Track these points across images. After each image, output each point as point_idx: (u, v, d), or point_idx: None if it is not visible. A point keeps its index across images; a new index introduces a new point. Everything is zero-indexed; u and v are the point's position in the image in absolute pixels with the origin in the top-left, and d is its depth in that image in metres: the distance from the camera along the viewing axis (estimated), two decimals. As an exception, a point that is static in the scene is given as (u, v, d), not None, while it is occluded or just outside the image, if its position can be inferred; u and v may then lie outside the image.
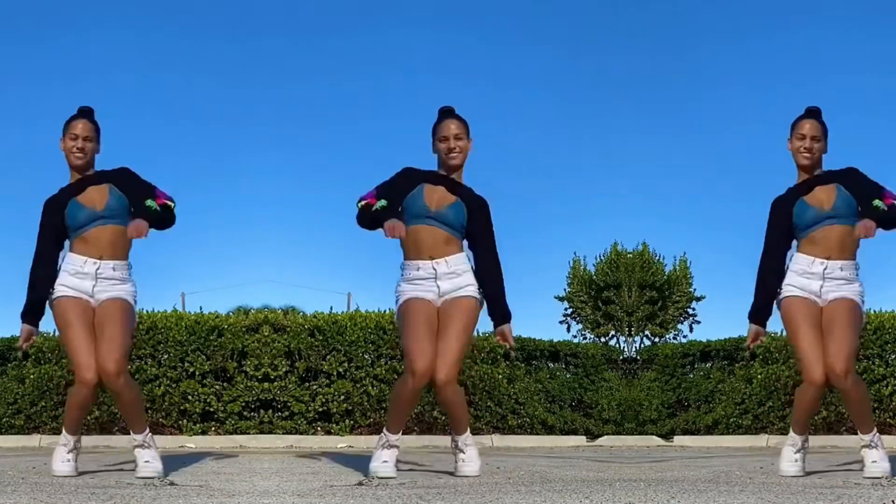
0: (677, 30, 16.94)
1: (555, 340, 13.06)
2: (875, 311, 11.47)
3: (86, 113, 5.53)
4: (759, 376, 11.78)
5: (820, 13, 17.85)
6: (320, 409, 10.83)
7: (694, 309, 14.91)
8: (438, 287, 5.28)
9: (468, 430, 5.46)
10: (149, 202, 5.40)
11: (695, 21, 17.22)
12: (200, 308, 11.22)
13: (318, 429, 10.85)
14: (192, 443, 10.21)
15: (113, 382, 5.22)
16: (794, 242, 5.51)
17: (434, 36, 18.87)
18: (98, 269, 5.33)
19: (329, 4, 18.17)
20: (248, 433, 10.46)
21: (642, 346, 13.97)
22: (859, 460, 5.52)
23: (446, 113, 5.46)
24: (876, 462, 5.30)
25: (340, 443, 10.44)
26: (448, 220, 5.29)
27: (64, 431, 5.58)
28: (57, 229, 5.40)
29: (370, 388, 10.90)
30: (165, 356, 10.72)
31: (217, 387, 10.73)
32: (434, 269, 5.28)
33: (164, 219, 5.48)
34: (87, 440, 10.21)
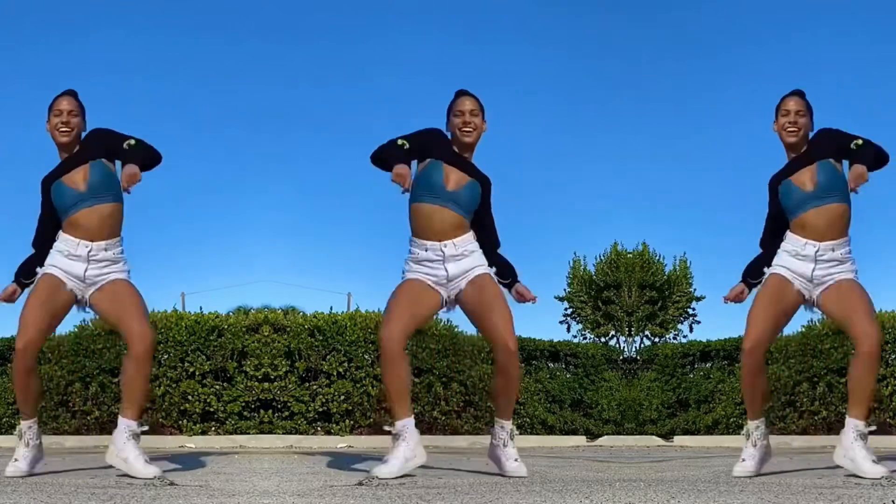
0: (678, 29, 16.95)
1: (555, 340, 13.07)
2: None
3: (70, 92, 5.52)
4: (759, 376, 11.78)
5: (819, 16, 17.86)
6: (320, 409, 10.83)
7: (694, 309, 14.91)
8: (446, 271, 5.35)
9: (511, 417, 5.54)
10: (128, 142, 5.38)
11: (696, 21, 17.22)
12: (200, 308, 11.23)
13: (318, 429, 10.85)
14: (192, 443, 10.20)
15: (148, 348, 5.31)
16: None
17: (434, 36, 18.87)
18: (90, 251, 5.32)
19: (330, 5, 18.18)
20: (248, 433, 10.46)
21: (642, 346, 13.97)
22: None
23: (463, 91, 5.54)
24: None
25: (340, 443, 10.44)
26: (463, 200, 5.37)
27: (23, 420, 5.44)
28: (51, 209, 5.39)
29: (370, 388, 10.90)
30: (165, 356, 10.72)
31: (217, 387, 10.73)
32: (442, 250, 5.34)
33: (149, 154, 5.46)
34: (88, 440, 10.23)
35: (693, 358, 12.97)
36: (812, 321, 11.12)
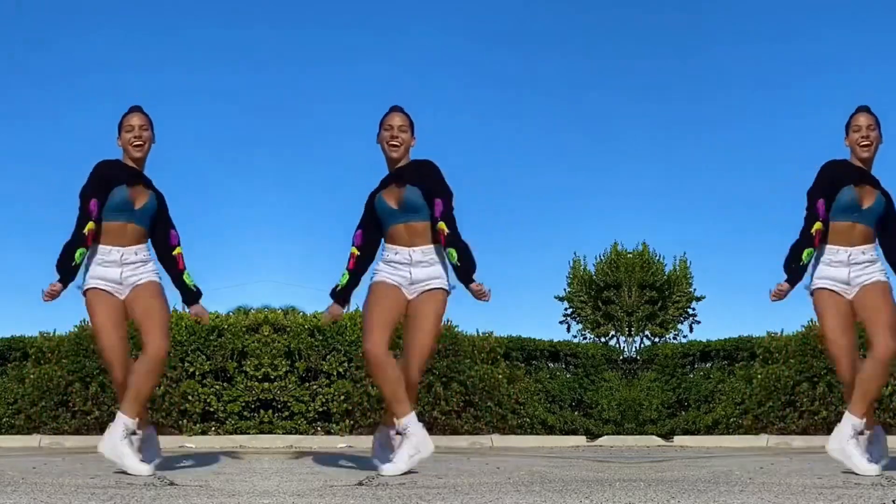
0: (679, 29, 16.94)
1: (555, 340, 13.06)
2: None
3: (138, 108, 5.89)
4: (759, 376, 11.77)
5: (819, 15, 17.85)
6: (320, 409, 10.83)
7: (694, 309, 14.90)
8: (410, 274, 5.66)
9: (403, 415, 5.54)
10: (187, 278, 5.93)
11: (697, 21, 17.21)
12: (200, 308, 11.22)
13: (318, 429, 10.85)
14: (192, 443, 10.20)
15: (163, 358, 5.62)
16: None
17: (434, 35, 18.87)
18: (122, 255, 5.68)
19: (334, 5, 18.17)
20: (248, 433, 10.46)
21: (642, 346, 13.96)
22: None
23: (395, 107, 5.87)
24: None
25: (340, 443, 10.44)
26: (413, 204, 5.64)
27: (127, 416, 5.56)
28: (101, 191, 5.69)
29: (370, 388, 10.90)
30: (165, 356, 10.72)
31: (217, 387, 10.73)
32: (410, 255, 5.67)
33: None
34: (88, 440, 10.23)
35: (693, 358, 12.96)
36: (812, 321, 11.11)
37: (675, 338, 14.41)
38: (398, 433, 5.51)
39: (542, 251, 17.15)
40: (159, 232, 5.84)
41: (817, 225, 5.73)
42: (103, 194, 5.68)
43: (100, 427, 10.55)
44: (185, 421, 10.69)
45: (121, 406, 5.58)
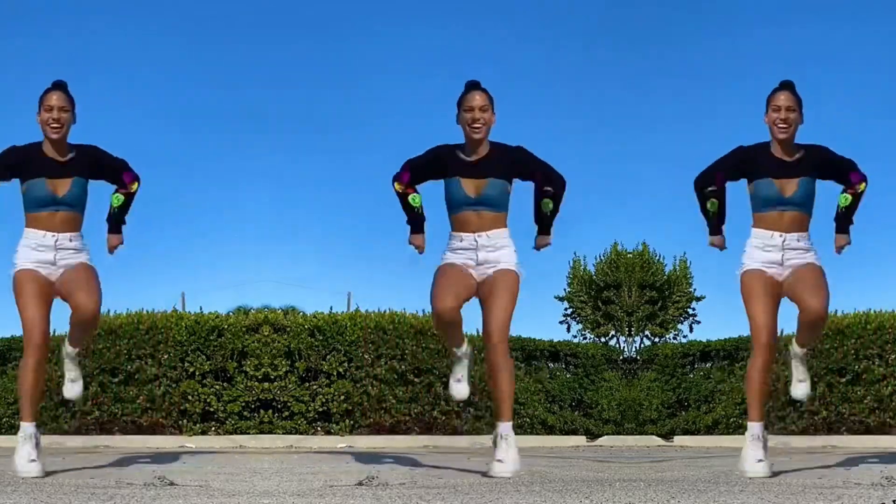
0: (679, 29, 16.94)
1: (555, 340, 13.06)
2: (875, 311, 11.46)
3: (59, 85, 5.75)
4: (759, 376, 11.77)
5: (820, 13, 17.87)
6: (320, 409, 10.83)
7: (694, 309, 14.89)
8: (477, 256, 5.64)
9: (510, 418, 5.77)
10: (114, 199, 5.89)
11: (697, 21, 17.21)
12: (200, 308, 11.23)
13: (318, 429, 10.85)
14: (192, 443, 10.20)
15: (95, 319, 5.74)
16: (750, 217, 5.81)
17: (433, 35, 18.87)
18: (57, 240, 5.70)
19: (331, 4, 18.17)
20: (248, 433, 10.46)
21: (642, 346, 13.95)
22: (859, 458, 5.52)
23: (473, 85, 5.69)
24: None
25: (340, 443, 10.44)
26: (492, 199, 5.67)
27: (24, 423, 5.60)
28: (10, 172, 5.72)
29: (370, 388, 10.90)
30: (165, 356, 10.72)
31: (217, 387, 10.73)
32: (475, 240, 5.64)
33: (127, 206, 5.94)
34: (88, 440, 10.23)
35: (693, 358, 12.96)
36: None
37: (675, 338, 14.41)
38: (500, 436, 5.66)
39: (542, 251, 17.11)
40: (115, 179, 5.88)
41: (708, 189, 5.92)
42: (17, 173, 5.70)
43: (100, 427, 10.55)
44: (185, 421, 10.69)
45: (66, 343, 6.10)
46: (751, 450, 5.61)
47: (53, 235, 5.69)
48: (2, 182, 5.79)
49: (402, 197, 5.75)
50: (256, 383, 10.65)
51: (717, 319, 17.81)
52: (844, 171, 5.75)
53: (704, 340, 13.14)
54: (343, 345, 10.94)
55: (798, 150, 5.72)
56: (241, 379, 10.68)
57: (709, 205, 5.94)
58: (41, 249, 5.69)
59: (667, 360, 12.94)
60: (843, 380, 11.21)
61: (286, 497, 4.26)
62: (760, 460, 5.52)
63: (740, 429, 12.08)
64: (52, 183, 5.67)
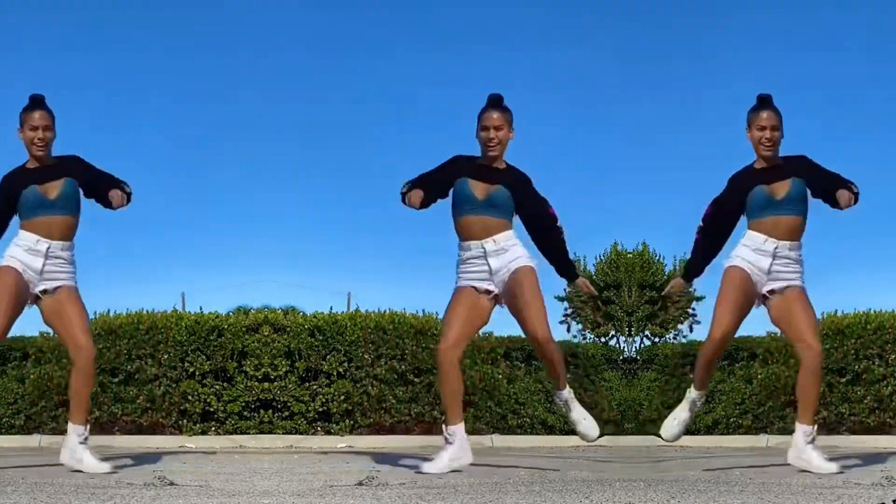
0: (679, 29, 16.93)
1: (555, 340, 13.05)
2: (875, 311, 11.46)
3: (39, 102, 5.94)
4: (759, 376, 11.78)
5: (821, 11, 17.86)
6: (320, 409, 10.83)
7: (694, 309, 14.88)
8: (489, 266, 5.78)
9: (566, 386, 6.37)
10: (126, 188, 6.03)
11: (697, 20, 17.20)
12: (200, 308, 11.21)
13: (318, 429, 10.85)
14: (192, 443, 10.20)
15: (92, 362, 5.86)
16: (745, 220, 5.98)
17: (433, 32, 18.86)
18: (49, 248, 5.79)
19: (327, 6, 18.17)
20: (248, 433, 10.46)
21: (642, 346, 13.94)
22: (859, 458, 5.52)
23: (492, 102, 5.91)
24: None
25: (340, 443, 10.44)
26: (497, 204, 5.81)
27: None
28: (10, 203, 5.88)
29: (370, 388, 10.90)
30: (165, 356, 10.71)
31: (217, 387, 10.73)
32: (483, 247, 5.78)
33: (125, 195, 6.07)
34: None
35: (693, 358, 12.91)
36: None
37: (675, 338, 14.40)
38: (445, 437, 5.84)
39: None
40: (101, 197, 5.96)
41: (701, 224, 6.13)
42: (15, 194, 5.85)
43: (100, 427, 10.55)
44: (185, 421, 10.69)
45: (71, 417, 5.95)
46: (677, 412, 6.38)
47: (46, 242, 5.79)
48: (10, 214, 5.92)
49: (403, 197, 5.87)
50: (256, 383, 10.64)
51: (716, 319, 17.77)
52: (835, 183, 5.83)
53: (704, 340, 13.14)
54: (343, 345, 10.94)
55: (780, 160, 5.91)
56: (241, 379, 10.67)
57: (691, 254, 6.25)
58: (31, 253, 5.80)
59: (667, 360, 12.93)
60: (843, 380, 11.20)
61: (286, 497, 4.26)
62: (677, 428, 6.28)
63: (740, 429, 12.12)
64: (44, 187, 5.82)
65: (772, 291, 5.84)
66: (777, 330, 12.22)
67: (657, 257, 14.73)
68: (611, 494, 4.36)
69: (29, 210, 5.83)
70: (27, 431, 10.71)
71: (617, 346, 13.90)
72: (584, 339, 14.26)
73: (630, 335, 13.99)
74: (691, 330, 14.74)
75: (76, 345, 5.82)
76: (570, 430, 12.14)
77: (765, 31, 17.54)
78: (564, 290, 15.09)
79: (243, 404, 10.64)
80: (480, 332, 11.86)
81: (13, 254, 5.82)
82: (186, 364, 10.73)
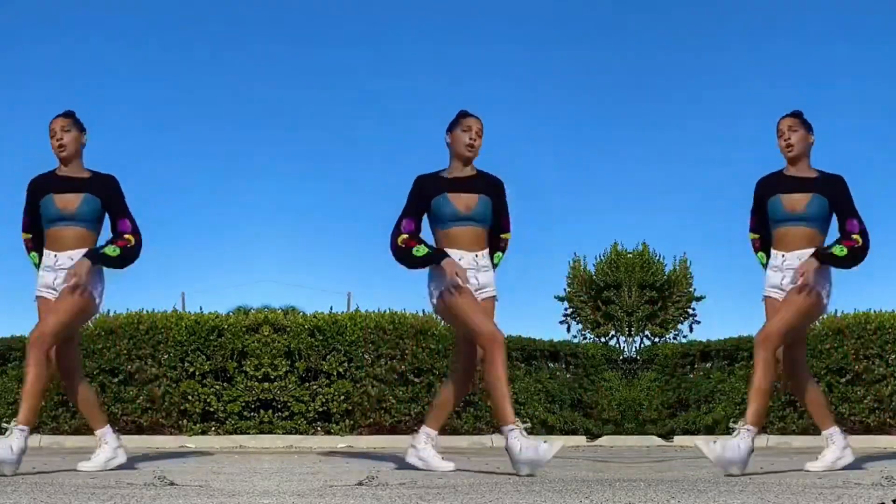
0: (679, 29, 16.95)
1: (555, 340, 13.06)
2: (875, 311, 11.46)
3: (62, 113, 5.97)
4: (759, 376, 11.77)
5: (821, 10, 17.86)
6: (320, 409, 10.83)
7: (694, 309, 14.89)
8: (477, 280, 5.82)
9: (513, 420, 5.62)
10: (109, 249, 5.84)
11: (697, 21, 17.21)
12: (200, 308, 11.22)
13: (318, 429, 10.85)
14: (192, 443, 10.21)
15: (39, 350, 5.67)
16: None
17: (433, 31, 18.87)
18: (56, 261, 5.83)
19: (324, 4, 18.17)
20: (248, 433, 10.46)
21: (642, 346, 13.95)
22: (859, 458, 5.52)
23: (469, 113, 5.98)
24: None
25: (340, 443, 10.44)
26: (481, 215, 5.87)
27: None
28: (34, 208, 5.94)
29: (370, 388, 10.90)
30: (165, 356, 10.72)
31: (217, 387, 10.73)
32: (475, 260, 5.84)
33: (122, 259, 5.90)
34: (88, 440, 10.21)
35: (693, 358, 12.96)
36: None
37: (675, 338, 14.41)
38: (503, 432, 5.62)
39: (542, 251, 17.16)
40: (112, 222, 5.99)
41: (751, 235, 6.11)
42: (32, 208, 5.93)
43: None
44: (185, 421, 10.69)
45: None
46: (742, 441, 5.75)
47: (55, 255, 5.82)
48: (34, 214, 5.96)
49: (406, 252, 5.82)
50: (256, 383, 10.65)
51: (717, 319, 17.82)
52: (845, 213, 5.87)
53: (704, 340, 13.15)
54: (343, 345, 10.94)
55: (815, 172, 5.94)
56: (241, 379, 10.68)
57: (759, 257, 6.14)
58: (47, 270, 5.86)
59: (667, 360, 12.94)
60: (843, 380, 11.21)
61: (286, 497, 4.26)
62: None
63: (740, 429, 12.11)
64: (61, 198, 5.83)
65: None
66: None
67: (657, 257, 14.75)
68: (611, 494, 4.36)
69: (45, 220, 5.89)
70: (27, 431, 10.69)
71: (617, 346, 13.91)
72: (584, 339, 14.28)
73: (630, 335, 14.00)
74: (691, 330, 14.76)
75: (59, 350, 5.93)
76: (570, 430, 12.20)
77: (766, 29, 17.54)
78: (564, 290, 15.14)
79: (243, 404, 10.64)
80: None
81: (40, 280, 5.90)
82: (186, 364, 10.74)
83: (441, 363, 11.13)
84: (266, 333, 10.75)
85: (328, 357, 10.93)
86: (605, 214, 16.36)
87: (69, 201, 5.82)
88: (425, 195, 5.87)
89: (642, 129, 14.72)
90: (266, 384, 10.65)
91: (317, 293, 34.20)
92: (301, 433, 10.59)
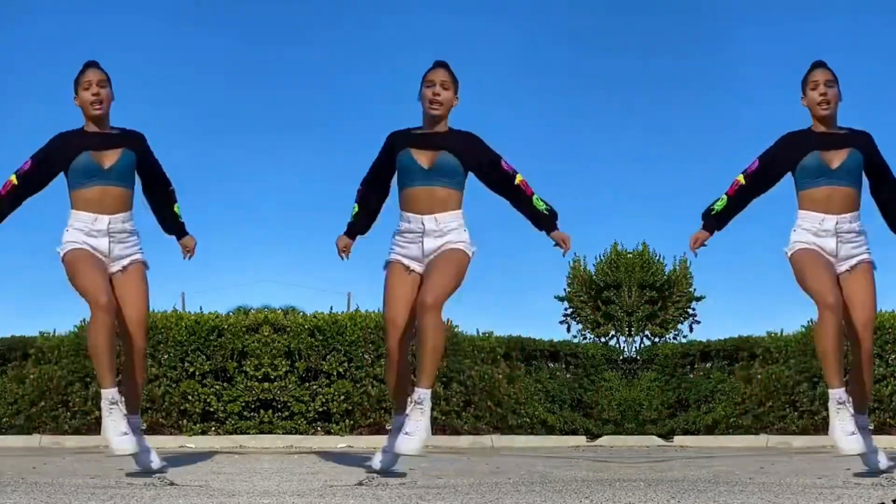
0: (679, 29, 16.95)
1: (555, 340, 13.06)
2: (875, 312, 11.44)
3: (92, 63, 5.48)
4: (759, 376, 11.77)
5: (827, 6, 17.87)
6: (320, 409, 10.83)
7: (694, 309, 14.89)
8: (423, 246, 5.32)
9: (430, 386, 5.07)
10: (179, 211, 5.77)
11: (697, 21, 17.22)
12: (200, 308, 11.22)
13: (318, 429, 10.85)
14: (192, 443, 10.20)
15: (140, 358, 5.53)
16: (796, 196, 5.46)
17: (433, 31, 18.87)
18: (110, 224, 5.33)
19: (330, 5, 18.17)
20: (248, 433, 10.46)
21: (642, 346, 13.95)
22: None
23: (438, 62, 5.49)
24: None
25: (340, 443, 10.44)
26: (445, 170, 5.34)
27: (104, 389, 5.14)
28: (55, 164, 5.37)
29: (370, 388, 10.90)
30: (165, 356, 10.71)
31: (217, 387, 10.73)
32: (423, 224, 5.31)
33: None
34: (88, 440, 10.22)
35: (693, 358, 12.96)
36: (812, 321, 11.09)
37: (675, 338, 14.41)
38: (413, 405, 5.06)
39: (542, 251, 17.15)
40: (154, 187, 5.61)
41: (739, 177, 5.55)
42: (50, 165, 5.37)
43: (100, 427, 10.53)
44: (185, 421, 10.69)
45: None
46: (837, 421, 5.24)
47: (106, 218, 5.31)
48: (40, 180, 5.39)
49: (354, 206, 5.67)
50: (256, 383, 10.64)
51: (717, 319, 17.82)
52: (885, 166, 5.46)
53: (704, 340, 13.15)
54: (343, 345, 10.94)
55: (843, 129, 5.45)
56: (241, 379, 10.68)
57: (717, 203, 5.62)
58: (94, 235, 5.32)
59: (667, 360, 12.94)
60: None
61: (286, 497, 4.26)
62: (852, 433, 5.17)
63: (740, 429, 12.12)
64: (98, 155, 5.33)
65: (842, 275, 5.34)
66: (777, 330, 12.27)
67: (657, 257, 14.75)
68: (611, 494, 4.36)
69: (79, 178, 5.30)
70: (27, 431, 10.71)
71: (617, 346, 13.91)
72: (585, 339, 14.28)
73: (630, 335, 14.00)
74: (691, 330, 14.76)
75: (127, 337, 5.45)
76: (569, 430, 12.20)
77: (766, 31, 17.55)
78: (564, 290, 15.14)
79: (243, 404, 10.64)
80: (480, 332, 11.94)
81: (73, 238, 5.29)
82: (186, 364, 10.74)
83: (440, 363, 11.12)
84: (266, 333, 10.75)
85: (328, 357, 10.93)
86: (605, 215, 16.36)
87: (107, 157, 5.33)
88: (392, 150, 5.42)
89: (643, 129, 14.71)
90: (266, 384, 10.64)
91: (317, 293, 34.17)
92: (301, 433, 10.59)
